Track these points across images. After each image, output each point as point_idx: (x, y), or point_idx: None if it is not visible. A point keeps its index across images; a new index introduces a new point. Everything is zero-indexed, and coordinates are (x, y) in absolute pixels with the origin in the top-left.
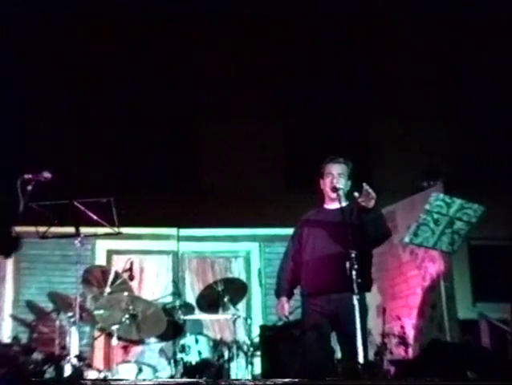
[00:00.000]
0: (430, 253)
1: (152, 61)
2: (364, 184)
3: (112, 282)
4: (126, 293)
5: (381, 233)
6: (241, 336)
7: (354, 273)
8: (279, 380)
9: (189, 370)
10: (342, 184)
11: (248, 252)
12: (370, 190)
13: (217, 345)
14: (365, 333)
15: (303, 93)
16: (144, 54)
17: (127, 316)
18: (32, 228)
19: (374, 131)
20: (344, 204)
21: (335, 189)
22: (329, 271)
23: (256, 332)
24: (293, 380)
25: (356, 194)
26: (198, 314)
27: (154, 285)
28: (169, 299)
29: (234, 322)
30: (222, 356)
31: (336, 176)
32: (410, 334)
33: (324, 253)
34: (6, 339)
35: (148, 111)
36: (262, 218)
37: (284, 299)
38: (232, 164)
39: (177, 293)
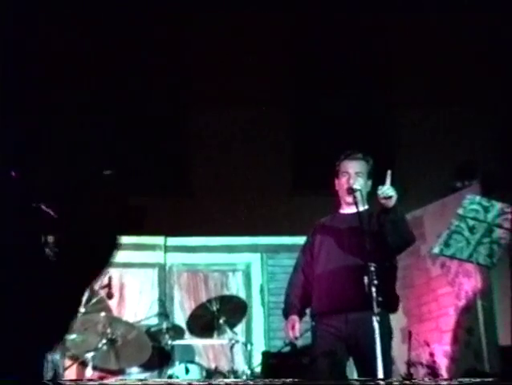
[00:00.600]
0: (465, 266)
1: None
2: (389, 173)
3: (87, 301)
4: (103, 314)
5: (402, 238)
6: (240, 364)
7: (373, 289)
8: (279, 380)
9: None
10: (360, 184)
11: (248, 264)
12: (387, 183)
13: (211, 375)
14: (388, 361)
15: (315, 74)
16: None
17: (104, 341)
18: None
19: (398, 122)
20: (362, 208)
21: (351, 191)
22: (346, 286)
23: (257, 360)
24: (293, 380)
25: (381, 190)
26: (189, 339)
27: (137, 304)
28: (155, 321)
29: (232, 347)
30: None
31: (353, 175)
32: (441, 362)
33: (340, 265)
34: None
35: (126, 96)
36: (264, 224)
37: (295, 318)
38: (229, 160)
39: (164, 313)
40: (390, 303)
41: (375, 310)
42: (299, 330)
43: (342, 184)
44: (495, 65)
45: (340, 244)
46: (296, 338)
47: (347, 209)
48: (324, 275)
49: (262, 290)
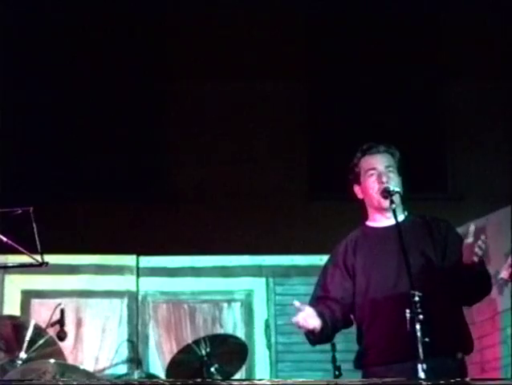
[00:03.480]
0: None
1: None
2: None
3: (31, 343)
4: (53, 361)
5: (481, 294)
6: None
7: (418, 326)
8: (279, 381)
9: None
10: (396, 183)
11: (249, 293)
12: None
13: None
14: None
15: (337, 48)
16: None
17: None
18: None
19: (447, 102)
20: (403, 216)
21: (386, 193)
22: (394, 325)
23: None
24: (293, 380)
25: (472, 228)
26: None
27: (98, 346)
28: (123, 369)
29: None
30: None
31: (384, 171)
32: None
33: (387, 295)
34: None
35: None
36: (271, 240)
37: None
38: (223, 156)
39: (136, 359)
40: (458, 342)
41: (421, 354)
42: (315, 317)
43: (370, 185)
44: None
45: (384, 270)
46: (311, 331)
47: (382, 220)
48: (380, 313)
49: (267, 328)
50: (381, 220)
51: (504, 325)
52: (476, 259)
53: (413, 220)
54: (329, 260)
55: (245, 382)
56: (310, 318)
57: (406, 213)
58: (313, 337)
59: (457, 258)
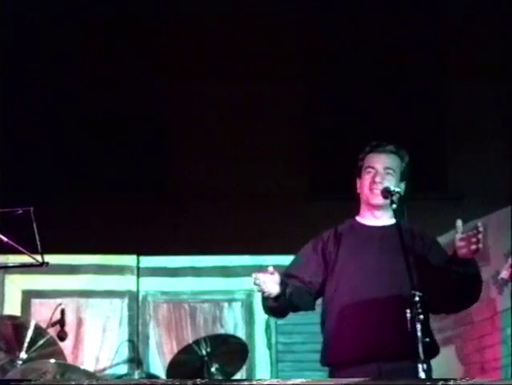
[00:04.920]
0: None
1: None
2: (479, 224)
3: (31, 343)
4: (53, 361)
5: (469, 299)
6: None
7: (419, 326)
8: (278, 381)
9: None
10: (392, 183)
11: (249, 293)
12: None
13: None
14: None
15: (336, 48)
16: None
17: None
18: None
19: (448, 101)
20: (392, 221)
21: (386, 193)
22: (380, 325)
23: None
24: (294, 380)
25: (460, 225)
26: None
27: (99, 346)
28: (123, 369)
29: None
30: None
31: (382, 172)
32: None
33: (372, 296)
34: None
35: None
36: (272, 240)
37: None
38: (223, 154)
39: (136, 359)
40: (432, 346)
41: (422, 355)
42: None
43: (364, 182)
44: None
45: (370, 266)
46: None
47: (370, 219)
48: (346, 309)
49: (267, 328)
50: (369, 219)
51: (504, 325)
52: (472, 249)
53: (404, 226)
54: (311, 242)
55: (245, 382)
56: (270, 283)
57: (399, 218)
58: (267, 302)
59: (439, 269)
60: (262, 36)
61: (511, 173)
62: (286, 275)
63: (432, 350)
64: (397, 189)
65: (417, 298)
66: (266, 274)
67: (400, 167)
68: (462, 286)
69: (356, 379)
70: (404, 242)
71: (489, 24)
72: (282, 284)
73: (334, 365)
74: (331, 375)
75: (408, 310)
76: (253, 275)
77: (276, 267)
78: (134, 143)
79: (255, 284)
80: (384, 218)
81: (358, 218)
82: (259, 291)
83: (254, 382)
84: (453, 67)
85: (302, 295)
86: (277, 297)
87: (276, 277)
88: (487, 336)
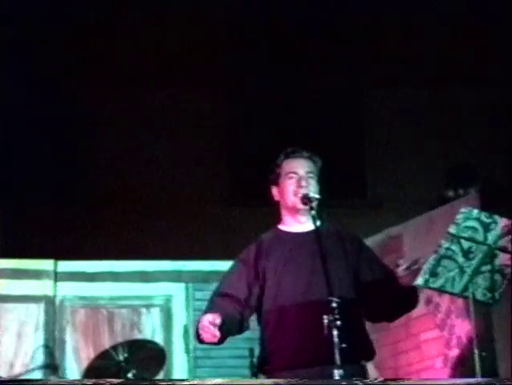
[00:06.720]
0: (457, 303)
1: None
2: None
3: None
4: None
5: (407, 308)
6: None
7: (335, 332)
8: (275, 380)
9: None
10: (315, 190)
11: (168, 298)
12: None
13: None
14: None
15: (258, 57)
16: None
17: None
18: None
19: (366, 109)
20: (312, 225)
21: (306, 200)
22: (305, 330)
23: None
24: (213, 380)
25: (401, 261)
26: None
27: (13, 352)
28: (39, 375)
29: None
30: None
31: (304, 176)
32: None
33: (297, 301)
34: None
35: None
36: (190, 245)
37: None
38: (144, 162)
39: (52, 364)
40: (365, 350)
41: (338, 360)
42: (218, 322)
43: (287, 189)
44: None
45: (294, 273)
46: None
47: (294, 225)
48: (283, 318)
49: (186, 333)
50: (294, 225)
51: (417, 330)
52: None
53: (327, 230)
54: (239, 259)
55: (163, 383)
56: (213, 334)
57: (320, 222)
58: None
59: (371, 273)
60: (184, 44)
61: (428, 181)
62: (220, 295)
63: (367, 353)
64: (317, 196)
65: (334, 304)
66: (209, 328)
67: (316, 171)
68: (399, 298)
69: (274, 380)
70: (323, 248)
71: (409, 35)
72: (221, 326)
73: (268, 372)
74: None
75: (324, 316)
76: (200, 326)
77: (195, 272)
78: (56, 146)
79: (197, 333)
80: (308, 223)
81: (281, 227)
82: (199, 341)
83: (178, 383)
84: (373, 75)
85: (236, 324)
86: (218, 341)
87: (217, 331)
88: (402, 342)
